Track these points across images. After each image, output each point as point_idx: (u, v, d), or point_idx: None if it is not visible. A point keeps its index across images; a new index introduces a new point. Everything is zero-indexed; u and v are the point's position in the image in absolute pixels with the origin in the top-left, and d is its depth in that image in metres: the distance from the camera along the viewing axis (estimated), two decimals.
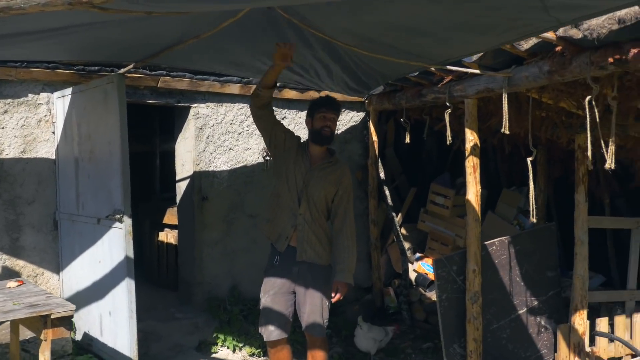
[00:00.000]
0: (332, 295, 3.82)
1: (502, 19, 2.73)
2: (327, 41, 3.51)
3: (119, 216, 4.00)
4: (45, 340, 3.01)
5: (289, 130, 3.99)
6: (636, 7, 2.68)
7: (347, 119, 6.37)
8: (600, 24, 2.84)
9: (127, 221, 3.98)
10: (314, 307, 3.85)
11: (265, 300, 3.88)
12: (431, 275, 6.05)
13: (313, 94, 5.71)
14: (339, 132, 6.30)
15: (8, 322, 3.85)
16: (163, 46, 3.93)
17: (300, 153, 3.92)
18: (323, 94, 5.33)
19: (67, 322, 3.06)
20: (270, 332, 3.85)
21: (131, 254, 3.98)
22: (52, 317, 2.97)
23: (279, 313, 3.85)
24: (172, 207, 6.48)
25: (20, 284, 3.46)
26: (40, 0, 1.93)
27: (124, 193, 4.00)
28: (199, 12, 3.15)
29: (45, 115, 4.73)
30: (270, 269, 3.91)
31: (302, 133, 4.41)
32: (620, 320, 4.89)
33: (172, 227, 6.61)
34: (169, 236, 6.53)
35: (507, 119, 3.69)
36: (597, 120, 3.03)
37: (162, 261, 6.66)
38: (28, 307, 2.98)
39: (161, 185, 8.06)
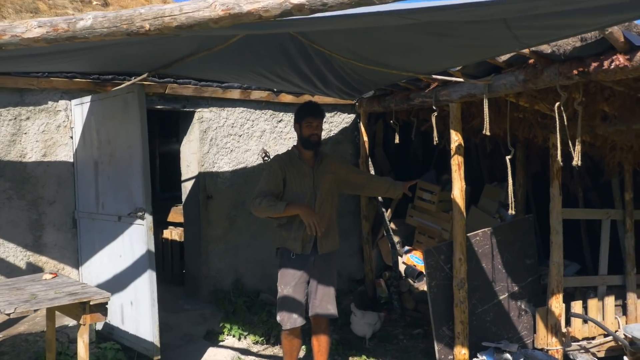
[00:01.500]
0: (409, 186, 4.57)
1: (481, 47, 3.19)
2: (326, 54, 3.79)
3: (140, 213, 4.31)
4: (84, 325, 3.32)
5: (274, 163, 4.24)
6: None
7: (339, 121, 6.71)
8: (566, 42, 3.26)
9: (149, 218, 4.30)
10: (327, 291, 4.25)
11: (288, 291, 4.17)
12: (420, 267, 6.30)
13: (307, 98, 5.90)
14: (332, 133, 6.64)
15: (39, 312, 4.19)
16: (176, 58, 4.20)
17: (295, 164, 4.22)
18: (316, 97, 5.70)
19: (102, 308, 3.37)
20: (295, 320, 4.16)
21: (152, 248, 4.30)
22: (90, 303, 3.32)
23: (300, 302, 4.19)
24: (176, 206, 6.78)
25: (55, 276, 3.78)
26: (103, 31, 2.32)
27: (145, 192, 4.31)
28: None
29: (63, 121, 5.06)
30: (288, 262, 4.20)
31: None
32: (593, 303, 5.24)
33: (175, 224, 6.93)
34: (173, 233, 6.84)
35: (488, 122, 4.00)
36: (566, 122, 3.42)
37: (167, 257, 6.94)
38: (69, 295, 3.30)
39: (161, 186, 8.37)
